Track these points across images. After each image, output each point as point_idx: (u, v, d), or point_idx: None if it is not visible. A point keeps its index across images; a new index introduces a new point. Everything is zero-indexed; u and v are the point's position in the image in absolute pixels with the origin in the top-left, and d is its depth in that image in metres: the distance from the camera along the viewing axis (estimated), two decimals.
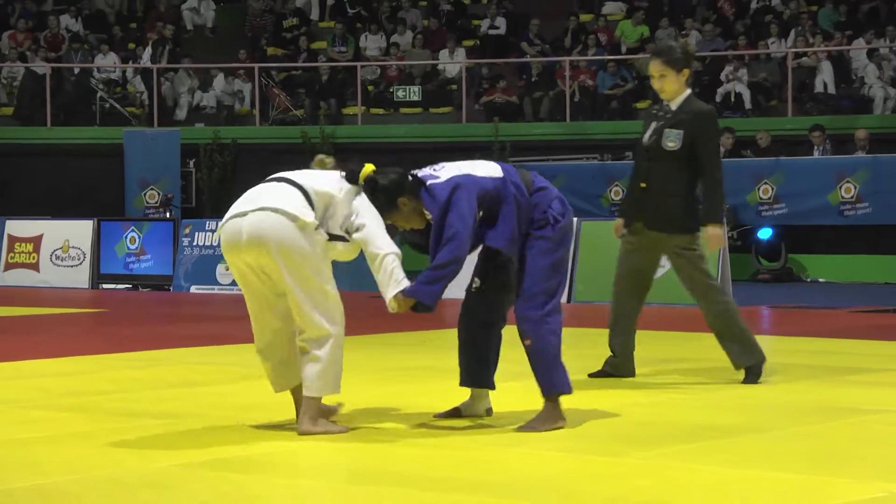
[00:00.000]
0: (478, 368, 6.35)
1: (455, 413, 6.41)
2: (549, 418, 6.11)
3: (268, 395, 7.43)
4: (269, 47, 25.03)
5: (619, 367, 8.02)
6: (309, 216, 5.94)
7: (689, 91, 7.89)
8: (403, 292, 5.84)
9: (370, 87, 23.51)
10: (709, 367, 8.47)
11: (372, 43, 24.43)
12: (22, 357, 9.33)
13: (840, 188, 17.54)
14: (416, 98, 23.08)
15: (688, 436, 6.07)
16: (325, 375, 5.98)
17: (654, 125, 7.89)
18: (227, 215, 6.16)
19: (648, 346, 8.72)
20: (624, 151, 19.45)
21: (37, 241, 17.83)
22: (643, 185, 7.85)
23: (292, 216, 5.93)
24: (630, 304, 8.07)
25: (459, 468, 5.34)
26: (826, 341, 10.56)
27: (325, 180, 6.12)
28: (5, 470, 5.27)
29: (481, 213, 6.03)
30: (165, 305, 15.17)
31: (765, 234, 18.02)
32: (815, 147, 18.95)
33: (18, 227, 18.07)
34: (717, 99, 21.26)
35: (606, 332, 8.12)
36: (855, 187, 17.46)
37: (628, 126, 21.25)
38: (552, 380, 6.14)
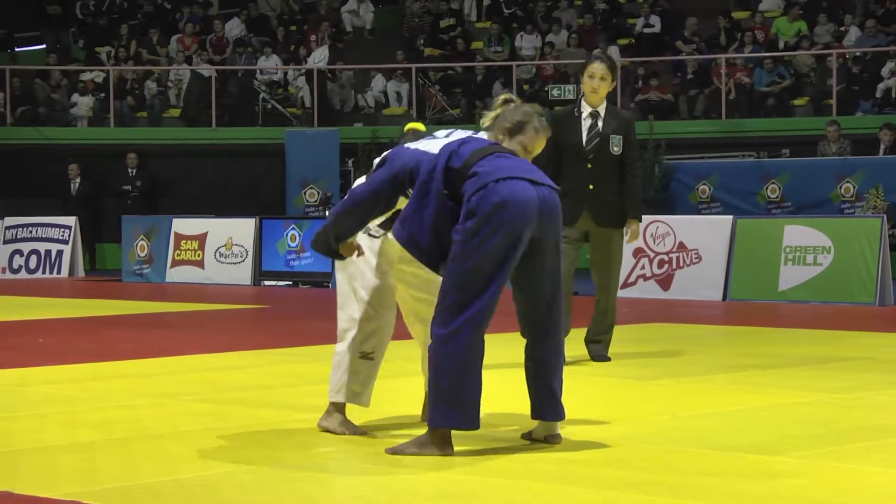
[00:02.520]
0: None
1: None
2: (422, 444, 5.38)
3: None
4: (426, 48, 25.17)
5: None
6: None
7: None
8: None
9: (525, 87, 23.49)
10: (868, 367, 8.30)
11: (527, 42, 24.42)
12: (188, 351, 9.53)
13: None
14: (570, 97, 22.96)
15: (845, 436, 5.95)
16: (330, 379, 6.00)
17: (586, 129, 8.46)
18: None
19: (806, 345, 8.59)
20: (781, 149, 19.13)
21: (202, 238, 18.15)
22: (590, 185, 8.45)
23: None
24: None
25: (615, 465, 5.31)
26: None
27: None
28: (174, 461, 5.38)
29: (410, 190, 5.49)
30: (325, 302, 15.32)
31: None
32: None
33: (184, 225, 18.42)
34: (878, 95, 20.79)
35: (762, 329, 8.03)
36: None
37: (785, 123, 20.92)
38: (434, 412, 5.34)
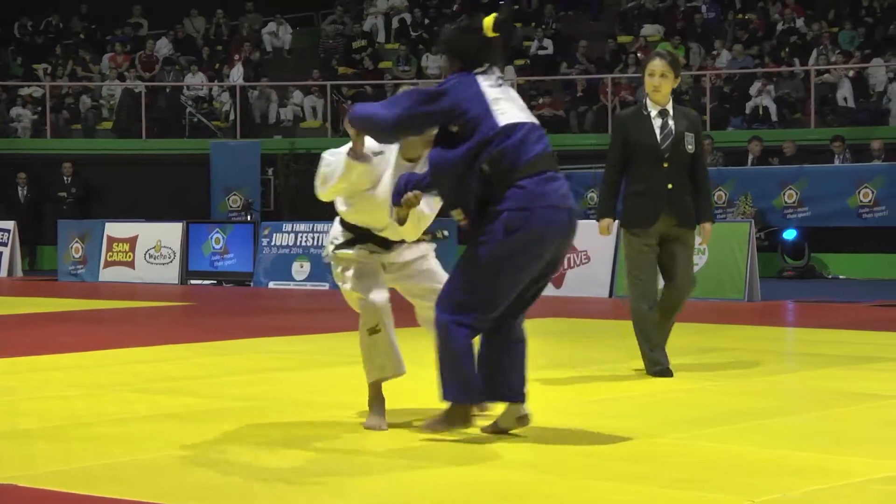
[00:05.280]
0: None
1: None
2: (441, 420, 5.30)
3: (340, 379, 7.46)
4: (339, 66, 25.12)
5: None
6: None
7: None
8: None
9: None
10: (739, 357, 8.40)
11: (432, 62, 24.44)
12: (120, 345, 9.41)
13: (858, 193, 17.36)
14: None
15: (721, 419, 6.02)
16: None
17: (658, 127, 7.46)
18: None
19: (685, 337, 8.67)
20: None
21: (132, 241, 17.96)
22: (669, 185, 7.46)
23: None
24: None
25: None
26: (846, 333, 10.45)
27: None
28: (109, 446, 5.31)
29: (456, 128, 5.18)
30: (246, 299, 15.25)
31: (790, 234, 17.87)
32: (836, 155, 18.79)
33: (116, 229, 18.21)
34: (747, 112, 21.11)
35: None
36: (872, 192, 17.28)
37: None
38: (442, 388, 5.26)
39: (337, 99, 23.56)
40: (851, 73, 21.05)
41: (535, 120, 5.32)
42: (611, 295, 14.27)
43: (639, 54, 22.86)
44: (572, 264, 14.67)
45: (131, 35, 26.55)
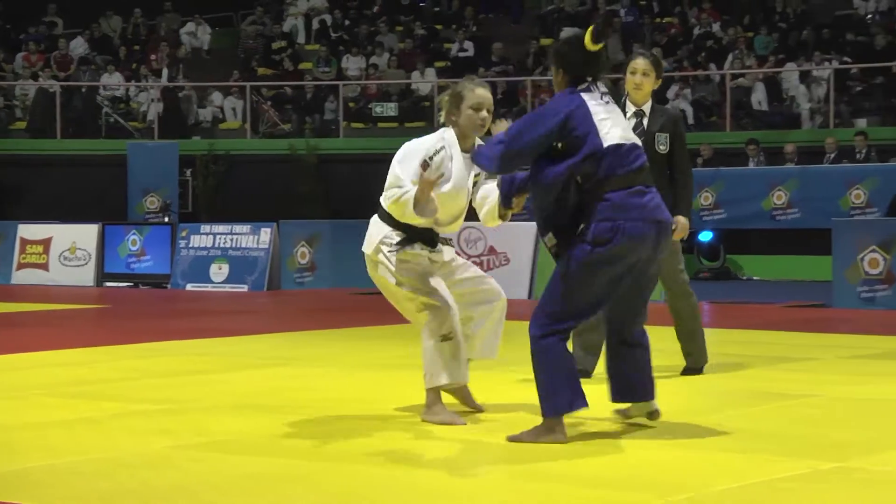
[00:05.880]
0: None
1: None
2: (537, 433, 5.38)
3: (260, 382, 7.45)
4: (259, 67, 24.99)
5: None
6: None
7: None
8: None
9: (351, 104, 23.50)
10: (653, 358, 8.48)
11: (353, 64, 24.42)
12: (34, 348, 9.29)
13: (772, 195, 17.64)
14: (392, 113, 23.10)
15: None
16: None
17: (632, 128, 7.39)
18: None
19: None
20: None
21: (46, 243, 17.73)
22: None
23: None
24: None
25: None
26: (760, 333, 10.62)
27: None
28: (21, 451, 5.25)
29: (560, 144, 5.36)
30: (164, 302, 15.12)
31: (706, 236, 18.11)
32: (751, 159, 19.08)
33: (30, 231, 17.97)
34: None
35: None
36: (786, 195, 17.57)
37: None
38: (541, 404, 5.41)
39: (257, 100, 23.43)
40: (761, 77, 21.38)
41: (636, 139, 5.49)
42: (530, 296, 14.36)
43: None
44: (492, 266, 14.75)
45: (46, 34, 26.18)
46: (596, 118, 5.34)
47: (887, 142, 19.35)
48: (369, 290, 15.83)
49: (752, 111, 21.14)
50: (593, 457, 5.12)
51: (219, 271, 16.42)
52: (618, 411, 5.81)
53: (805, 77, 21.43)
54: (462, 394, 6.11)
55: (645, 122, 7.58)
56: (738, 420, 6.05)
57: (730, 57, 21.99)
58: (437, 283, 5.87)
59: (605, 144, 5.31)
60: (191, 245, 16.75)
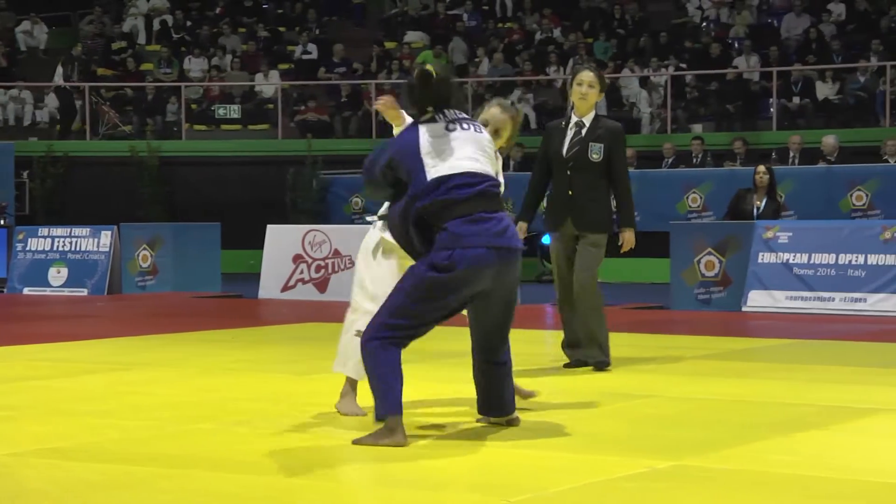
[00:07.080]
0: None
1: None
2: (377, 436, 5.39)
3: (98, 387, 7.30)
4: (99, 68, 24.51)
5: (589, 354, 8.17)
6: None
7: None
8: None
9: (194, 106, 23.21)
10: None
11: (195, 65, 24.13)
12: None
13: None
14: (235, 116, 22.89)
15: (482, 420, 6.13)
16: None
17: (569, 138, 8.08)
18: None
19: (442, 342, 8.77)
20: None
21: None
22: (570, 192, 8.07)
23: None
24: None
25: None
26: None
27: None
28: None
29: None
30: (0, 306, 14.70)
31: (547, 239, 18.29)
32: None
33: None
34: None
35: None
36: None
37: None
38: (375, 406, 5.50)
39: (96, 101, 22.96)
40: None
41: (477, 166, 5.49)
42: None
43: (403, 61, 23.10)
44: (336, 269, 14.70)
45: None
46: (423, 152, 5.43)
47: (721, 147, 19.87)
48: (210, 294, 15.74)
49: None
50: (436, 459, 5.14)
51: (57, 275, 16.03)
52: (478, 419, 5.92)
53: (645, 83, 21.89)
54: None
55: (583, 132, 8.07)
56: (579, 420, 6.13)
57: (570, 62, 22.34)
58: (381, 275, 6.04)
59: (430, 178, 5.39)
60: (28, 248, 16.33)
